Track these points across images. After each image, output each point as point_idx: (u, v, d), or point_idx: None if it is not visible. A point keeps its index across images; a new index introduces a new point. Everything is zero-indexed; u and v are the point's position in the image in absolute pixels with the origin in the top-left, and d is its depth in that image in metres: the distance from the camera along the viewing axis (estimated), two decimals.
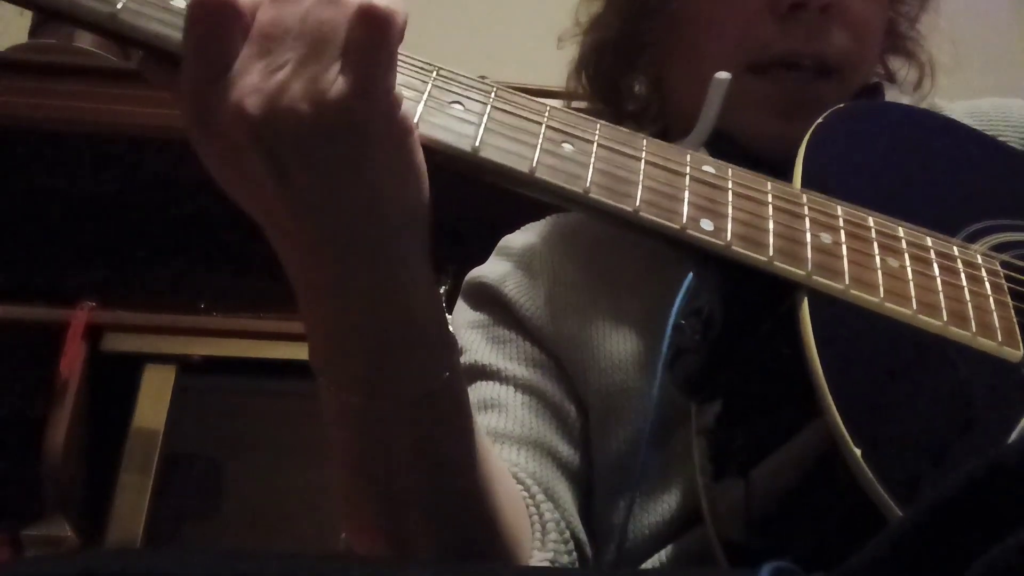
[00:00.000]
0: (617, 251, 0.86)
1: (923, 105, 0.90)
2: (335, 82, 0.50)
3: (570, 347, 0.83)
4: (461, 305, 0.90)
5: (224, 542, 1.62)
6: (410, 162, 0.53)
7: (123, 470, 1.57)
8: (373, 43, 0.50)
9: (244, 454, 1.67)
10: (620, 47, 0.89)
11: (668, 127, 0.90)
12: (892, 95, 0.89)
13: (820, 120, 0.71)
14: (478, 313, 0.87)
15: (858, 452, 0.53)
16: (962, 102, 0.92)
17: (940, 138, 0.77)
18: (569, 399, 0.82)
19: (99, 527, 1.55)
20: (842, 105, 0.74)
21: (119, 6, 0.52)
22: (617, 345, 0.81)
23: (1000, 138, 0.83)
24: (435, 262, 0.58)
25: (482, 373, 0.83)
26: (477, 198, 0.89)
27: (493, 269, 0.90)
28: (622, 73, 0.92)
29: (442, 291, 1.96)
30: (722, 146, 0.75)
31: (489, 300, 0.87)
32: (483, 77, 0.60)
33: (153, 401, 1.61)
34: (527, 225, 0.95)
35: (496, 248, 0.93)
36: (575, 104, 0.94)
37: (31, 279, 1.80)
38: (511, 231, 0.95)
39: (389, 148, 0.52)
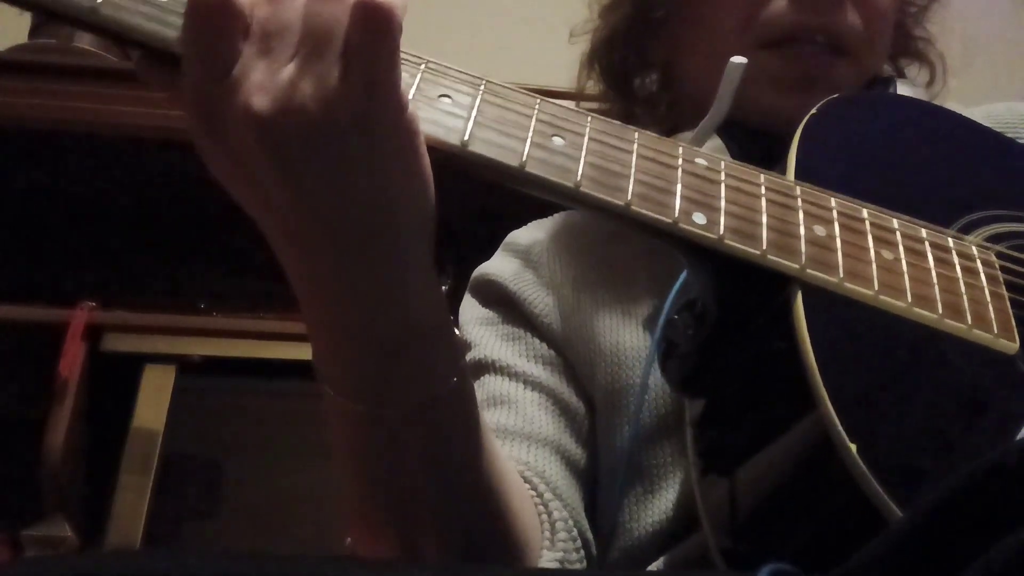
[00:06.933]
0: (625, 246, 0.86)
1: None
2: (342, 80, 0.49)
3: (578, 343, 0.83)
4: (469, 301, 0.90)
5: (223, 542, 1.62)
6: (417, 164, 0.53)
7: (123, 470, 1.56)
8: (374, 39, 0.49)
9: (243, 454, 1.67)
10: (632, 31, 0.90)
11: (678, 122, 0.90)
12: (904, 90, 0.89)
13: (813, 111, 0.71)
14: (487, 310, 0.87)
15: (853, 447, 0.52)
16: (977, 107, 0.92)
17: (934, 128, 0.77)
18: (578, 396, 0.82)
19: (99, 527, 1.55)
20: (835, 95, 0.73)
21: (99, 0, 0.51)
22: (624, 340, 0.81)
23: (1019, 138, 0.82)
24: (435, 262, 0.57)
25: (491, 368, 0.82)
26: (476, 197, 0.89)
27: (501, 266, 0.89)
28: (634, 65, 0.92)
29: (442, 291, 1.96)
30: (735, 132, 0.75)
31: (498, 298, 0.87)
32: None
33: (153, 401, 1.61)
34: (534, 222, 0.94)
35: (503, 244, 0.93)
36: (583, 105, 0.95)
37: (31, 279, 1.80)
38: (511, 231, 0.95)
39: (396, 149, 0.51)
